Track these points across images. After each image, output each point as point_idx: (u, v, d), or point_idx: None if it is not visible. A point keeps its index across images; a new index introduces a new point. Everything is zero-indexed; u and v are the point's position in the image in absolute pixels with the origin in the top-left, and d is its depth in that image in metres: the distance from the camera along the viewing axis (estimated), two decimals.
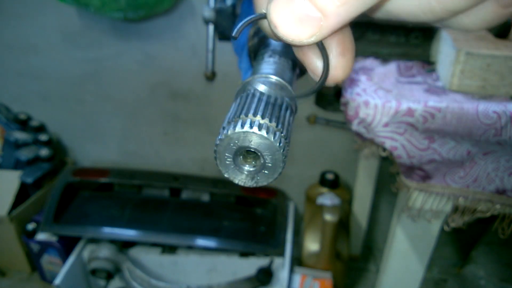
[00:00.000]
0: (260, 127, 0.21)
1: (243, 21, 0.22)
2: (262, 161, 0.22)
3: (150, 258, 1.22)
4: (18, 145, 1.33)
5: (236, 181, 0.24)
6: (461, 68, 0.68)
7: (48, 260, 1.26)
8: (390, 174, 0.85)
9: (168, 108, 1.39)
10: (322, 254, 1.17)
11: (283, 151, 0.22)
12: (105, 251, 1.14)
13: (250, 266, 1.17)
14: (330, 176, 1.29)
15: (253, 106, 0.23)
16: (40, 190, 1.34)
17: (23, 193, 1.29)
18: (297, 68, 0.34)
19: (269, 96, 0.24)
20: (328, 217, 1.09)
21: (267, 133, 0.21)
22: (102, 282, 1.23)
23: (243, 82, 0.27)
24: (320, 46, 0.20)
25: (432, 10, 0.18)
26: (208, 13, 0.88)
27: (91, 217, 1.22)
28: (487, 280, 1.07)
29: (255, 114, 0.22)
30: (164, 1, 1.09)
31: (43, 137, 1.37)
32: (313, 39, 0.18)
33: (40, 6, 1.24)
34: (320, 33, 0.18)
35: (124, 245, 1.21)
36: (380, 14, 0.20)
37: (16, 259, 1.33)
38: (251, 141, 0.22)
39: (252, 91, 0.25)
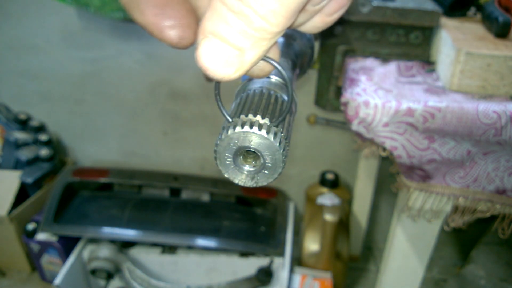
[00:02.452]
0: (260, 127, 0.21)
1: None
2: (262, 161, 0.22)
3: (150, 258, 1.22)
4: (18, 145, 1.33)
5: (236, 181, 0.24)
6: (461, 68, 0.68)
7: (48, 260, 1.26)
8: (390, 174, 0.85)
9: (168, 108, 1.39)
10: (322, 254, 1.17)
11: (283, 151, 0.22)
12: (105, 251, 1.14)
13: (250, 266, 1.17)
14: (330, 176, 1.29)
15: (253, 106, 0.23)
16: (40, 190, 1.34)
17: (23, 193, 1.29)
18: (297, 68, 0.34)
19: (269, 97, 0.24)
20: (328, 217, 1.09)
21: (267, 133, 0.21)
22: (102, 282, 1.23)
23: (243, 82, 0.27)
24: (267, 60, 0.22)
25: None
26: None
27: (91, 217, 1.22)
28: (487, 280, 1.07)
29: (255, 115, 0.22)
30: None
31: (43, 137, 1.37)
32: (238, 73, 0.21)
33: (40, 6, 1.24)
34: (243, 67, 0.20)
35: (124, 245, 1.21)
36: None
37: (16, 259, 1.33)
38: (251, 141, 0.22)
39: (252, 91, 0.25)
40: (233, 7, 0.19)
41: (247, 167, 0.23)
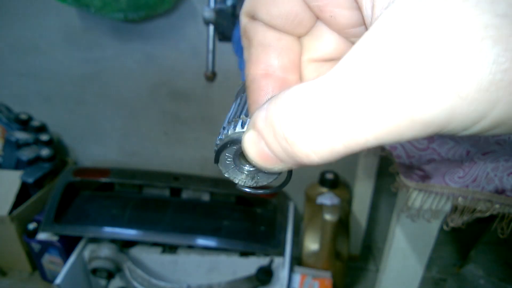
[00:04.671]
0: None
1: (221, 142, 0.22)
2: None
3: (151, 257, 1.23)
4: (19, 145, 1.33)
5: (236, 181, 0.24)
6: None
7: (49, 259, 1.26)
8: (389, 174, 0.85)
9: (169, 108, 1.40)
10: (322, 254, 1.18)
11: None
12: (105, 251, 1.15)
13: (250, 265, 1.17)
14: (329, 176, 1.30)
15: None
16: (41, 190, 1.34)
17: (24, 193, 1.30)
18: None
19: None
20: (328, 216, 1.09)
21: None
22: (102, 282, 1.23)
23: (243, 82, 0.27)
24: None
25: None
26: (208, 13, 0.88)
27: (92, 217, 1.22)
28: (486, 279, 1.07)
29: None
30: (165, 1, 1.09)
31: (44, 137, 1.37)
32: (280, 169, 0.19)
33: (41, 7, 1.24)
34: (281, 167, 0.19)
35: (125, 245, 1.22)
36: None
37: (17, 259, 1.34)
38: None
39: None
40: (276, 136, 0.16)
41: (247, 167, 0.24)
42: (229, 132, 0.22)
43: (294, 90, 0.15)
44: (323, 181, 1.30)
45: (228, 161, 0.23)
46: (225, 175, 0.24)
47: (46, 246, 1.22)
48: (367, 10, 0.15)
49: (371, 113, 0.13)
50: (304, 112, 0.15)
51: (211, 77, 1.20)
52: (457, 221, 0.76)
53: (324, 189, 1.29)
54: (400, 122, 0.12)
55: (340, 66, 0.14)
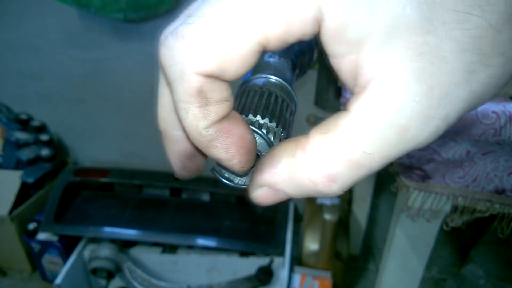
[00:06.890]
0: (260, 127, 0.22)
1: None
2: None
3: (151, 257, 1.23)
4: (19, 145, 1.33)
5: (236, 181, 0.24)
6: None
7: (49, 259, 1.26)
8: (389, 174, 0.85)
9: None
10: (322, 254, 1.18)
11: None
12: (105, 251, 1.15)
13: (250, 265, 1.17)
14: None
15: (253, 106, 0.23)
16: (41, 190, 1.34)
17: (24, 193, 1.30)
18: (297, 69, 0.34)
19: (269, 97, 0.24)
20: (328, 216, 1.09)
21: (267, 133, 0.22)
22: (102, 282, 1.23)
23: (243, 82, 0.27)
24: None
25: None
26: None
27: (92, 217, 1.22)
28: (486, 279, 1.07)
29: (255, 114, 0.22)
30: (165, 2, 1.09)
31: (44, 137, 1.37)
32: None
33: (41, 7, 1.24)
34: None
35: (125, 245, 1.22)
36: None
37: (17, 259, 1.34)
38: None
39: (252, 91, 0.25)
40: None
41: None
42: None
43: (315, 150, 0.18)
44: None
45: None
46: (225, 175, 0.24)
47: (46, 246, 1.22)
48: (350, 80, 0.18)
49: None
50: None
51: None
52: (457, 221, 0.76)
53: None
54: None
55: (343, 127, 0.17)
